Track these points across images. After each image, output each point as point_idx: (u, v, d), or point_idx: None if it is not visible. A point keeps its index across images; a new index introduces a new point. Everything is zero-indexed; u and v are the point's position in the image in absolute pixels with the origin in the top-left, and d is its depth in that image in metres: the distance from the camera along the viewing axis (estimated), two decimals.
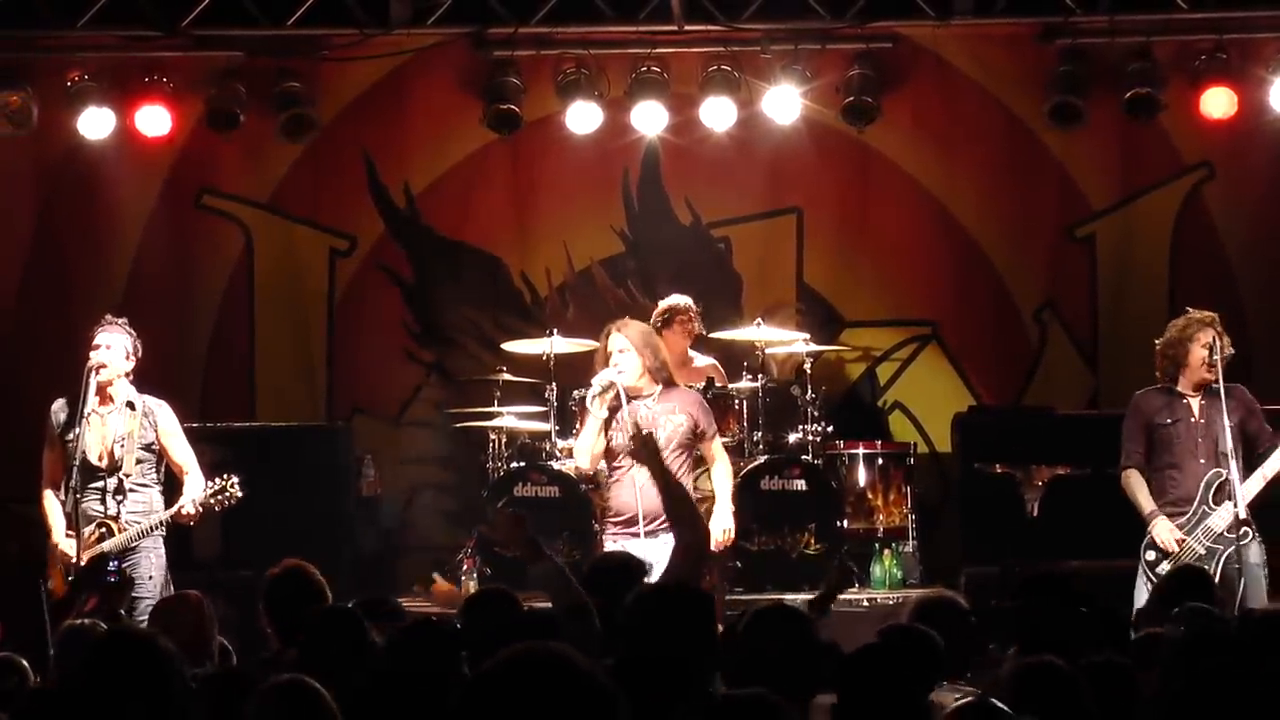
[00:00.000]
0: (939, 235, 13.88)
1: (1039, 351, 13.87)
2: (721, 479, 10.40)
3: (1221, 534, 10.10)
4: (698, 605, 5.80)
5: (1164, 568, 10.01)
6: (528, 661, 3.03)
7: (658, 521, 9.84)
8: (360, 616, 6.37)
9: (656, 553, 9.74)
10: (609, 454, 10.18)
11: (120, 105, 13.25)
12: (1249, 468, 10.21)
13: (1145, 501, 10.33)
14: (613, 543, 10.04)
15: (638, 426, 9.85)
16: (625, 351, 10.13)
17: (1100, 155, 13.75)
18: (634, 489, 9.94)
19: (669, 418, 10.11)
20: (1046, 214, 13.88)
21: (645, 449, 9.28)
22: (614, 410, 10.09)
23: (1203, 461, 10.25)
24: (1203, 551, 10.09)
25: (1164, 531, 10.19)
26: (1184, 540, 10.14)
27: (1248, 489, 10.12)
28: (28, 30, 12.99)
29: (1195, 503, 10.19)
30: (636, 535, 9.89)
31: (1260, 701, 3.49)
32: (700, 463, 10.69)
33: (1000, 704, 4.67)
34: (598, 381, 10.06)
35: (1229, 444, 10.15)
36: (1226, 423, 10.09)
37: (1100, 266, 13.86)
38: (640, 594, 5.90)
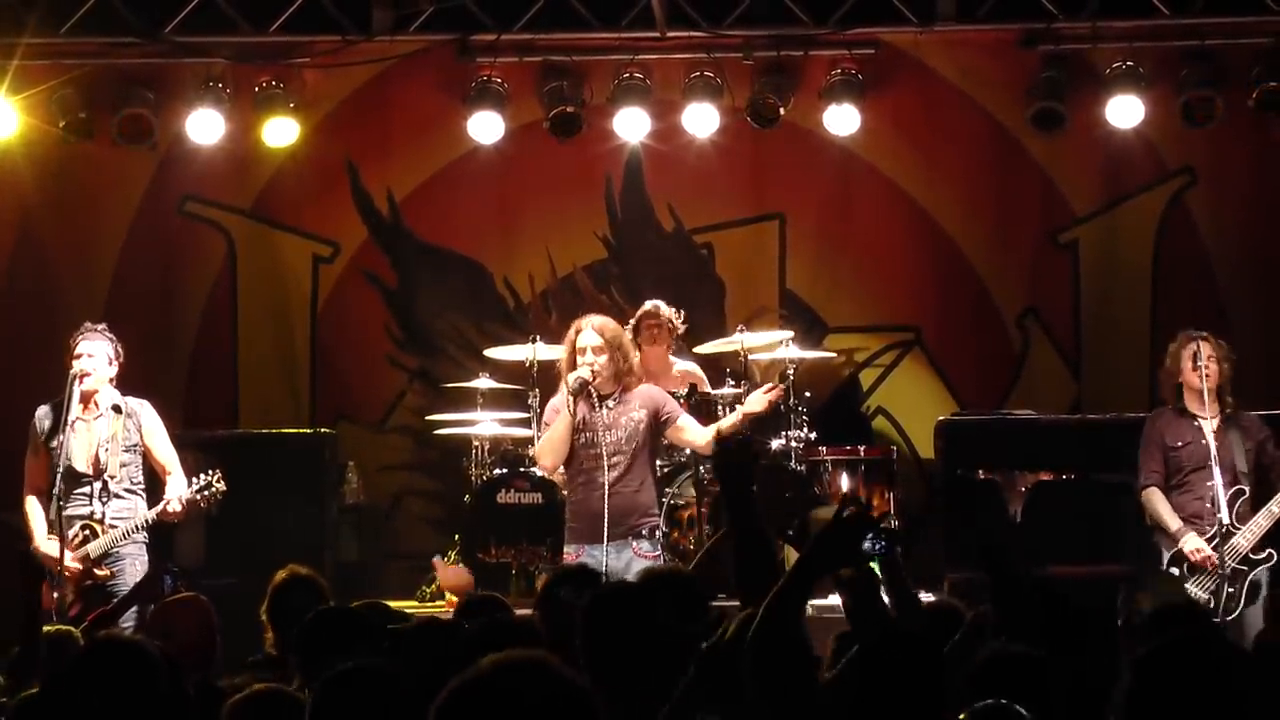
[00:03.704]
0: (922, 241, 13.90)
1: (1021, 357, 13.88)
2: (707, 428, 10.36)
3: (1247, 556, 10.18)
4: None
5: (1191, 585, 10.08)
6: (509, 668, 3.03)
7: (622, 528, 9.86)
8: (361, 616, 6.35)
9: (618, 561, 9.76)
10: (573, 457, 10.13)
11: (103, 112, 13.24)
12: (1263, 495, 10.32)
13: (1171, 519, 10.43)
14: (574, 550, 9.99)
15: None
16: (600, 350, 10.06)
17: (1083, 161, 13.76)
18: (602, 494, 9.91)
19: (629, 418, 10.07)
20: (1029, 219, 13.89)
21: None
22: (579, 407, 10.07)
23: (1210, 483, 10.31)
24: (1229, 572, 10.16)
25: (1197, 544, 10.24)
26: (1213, 556, 10.20)
27: (1256, 525, 10.22)
28: (11, 37, 12.96)
29: (1217, 520, 10.25)
30: (599, 542, 9.86)
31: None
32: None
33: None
34: (574, 379, 10.00)
35: (1244, 464, 10.31)
36: (1211, 440, 10.24)
37: (1083, 272, 13.87)
38: (599, 595, 5.82)
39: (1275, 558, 10.27)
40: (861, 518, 4.92)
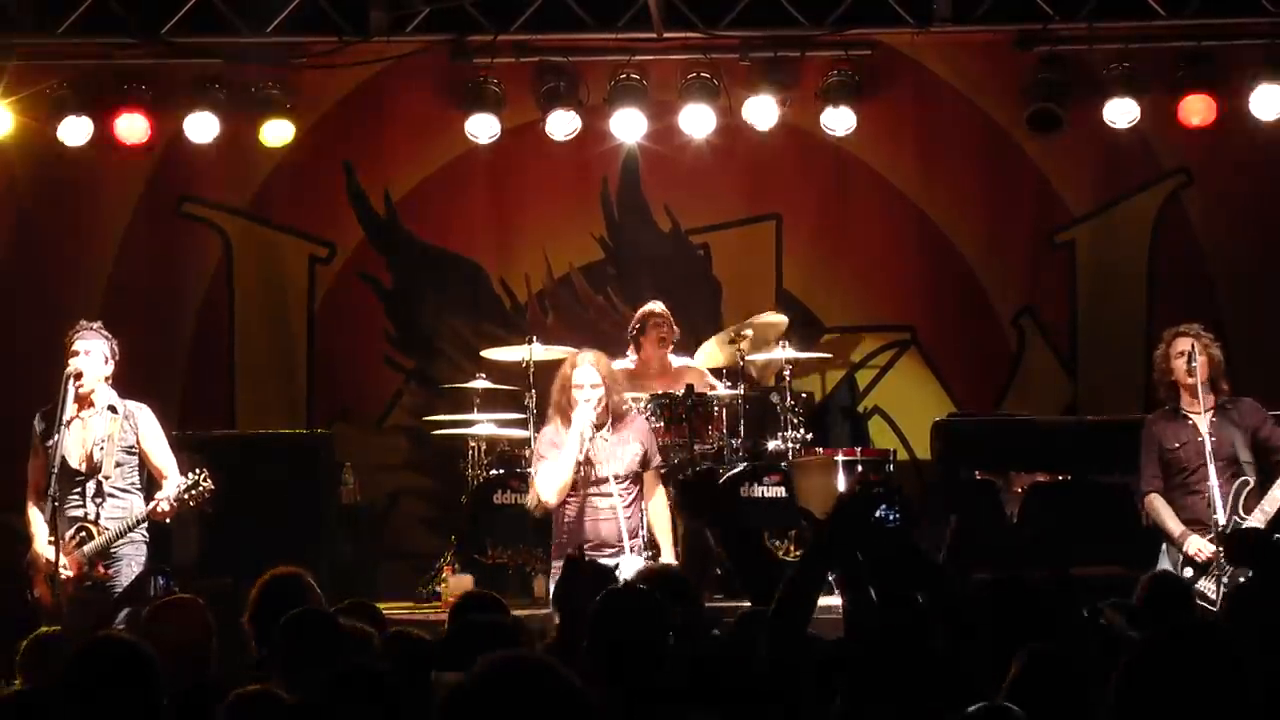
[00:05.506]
0: (918, 241, 13.90)
1: (1017, 357, 13.89)
2: (661, 518, 10.62)
3: None
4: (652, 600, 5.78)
5: (1202, 584, 10.08)
6: (507, 669, 3.04)
7: (634, 541, 10.07)
8: (334, 621, 6.33)
9: (630, 568, 9.83)
10: (572, 485, 10.32)
11: (99, 112, 13.24)
12: (1268, 477, 10.27)
13: (1173, 523, 10.41)
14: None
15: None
16: (596, 386, 10.30)
17: (1079, 161, 13.77)
18: (599, 519, 10.19)
19: (624, 449, 10.37)
20: (1025, 220, 13.90)
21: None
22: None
23: (1209, 481, 10.29)
24: None
25: (1199, 544, 10.23)
26: (1219, 551, 10.18)
27: (1263, 511, 10.17)
28: (7, 37, 12.97)
29: (1225, 515, 10.23)
30: (615, 556, 10.05)
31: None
32: None
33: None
34: (582, 421, 10.17)
35: (1245, 453, 10.29)
36: (1206, 438, 10.23)
37: (1079, 272, 13.88)
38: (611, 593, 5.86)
39: None
40: (875, 489, 4.94)
